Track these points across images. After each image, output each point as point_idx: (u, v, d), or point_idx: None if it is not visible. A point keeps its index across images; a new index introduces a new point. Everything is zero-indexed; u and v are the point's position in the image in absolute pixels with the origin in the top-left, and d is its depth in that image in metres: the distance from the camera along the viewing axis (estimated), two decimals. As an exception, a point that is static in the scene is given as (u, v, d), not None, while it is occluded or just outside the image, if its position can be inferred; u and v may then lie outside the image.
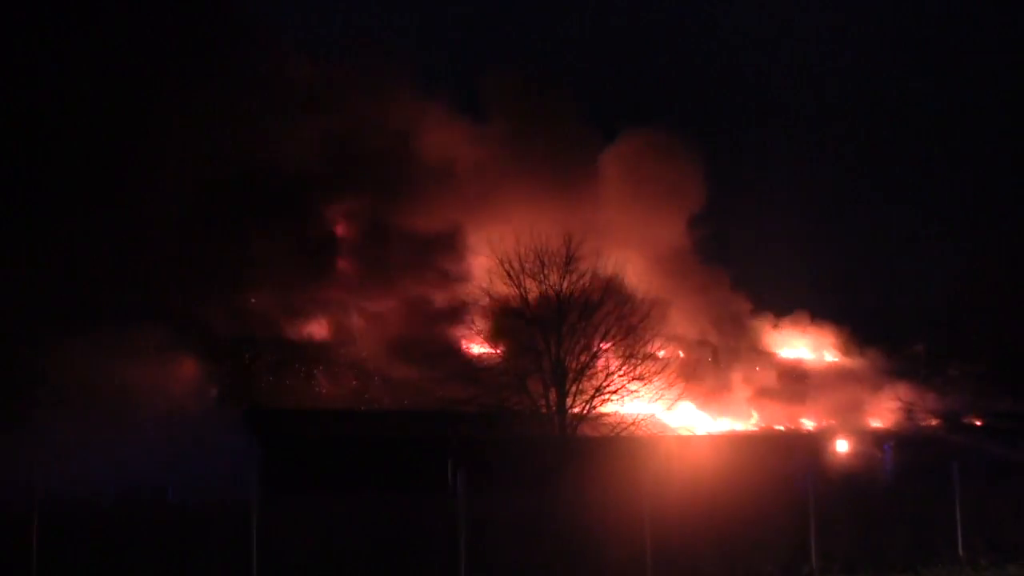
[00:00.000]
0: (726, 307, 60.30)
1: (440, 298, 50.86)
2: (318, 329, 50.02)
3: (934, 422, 50.83)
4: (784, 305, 65.25)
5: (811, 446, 47.89)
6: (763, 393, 54.51)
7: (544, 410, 34.01)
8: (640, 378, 35.07)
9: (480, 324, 37.68)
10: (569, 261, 35.09)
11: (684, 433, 46.95)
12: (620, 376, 34.81)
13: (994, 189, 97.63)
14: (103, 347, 39.21)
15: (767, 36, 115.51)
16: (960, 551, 22.63)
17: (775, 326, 62.97)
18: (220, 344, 45.06)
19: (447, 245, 53.05)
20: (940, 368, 48.03)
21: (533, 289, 35.14)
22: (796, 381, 57.67)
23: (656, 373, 35.44)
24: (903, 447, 47.23)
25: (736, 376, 54.82)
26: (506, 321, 35.59)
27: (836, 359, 63.12)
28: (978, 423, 48.51)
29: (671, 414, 40.64)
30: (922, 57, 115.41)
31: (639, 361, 35.39)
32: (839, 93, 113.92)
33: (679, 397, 36.55)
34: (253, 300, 47.95)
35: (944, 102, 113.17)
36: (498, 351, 36.33)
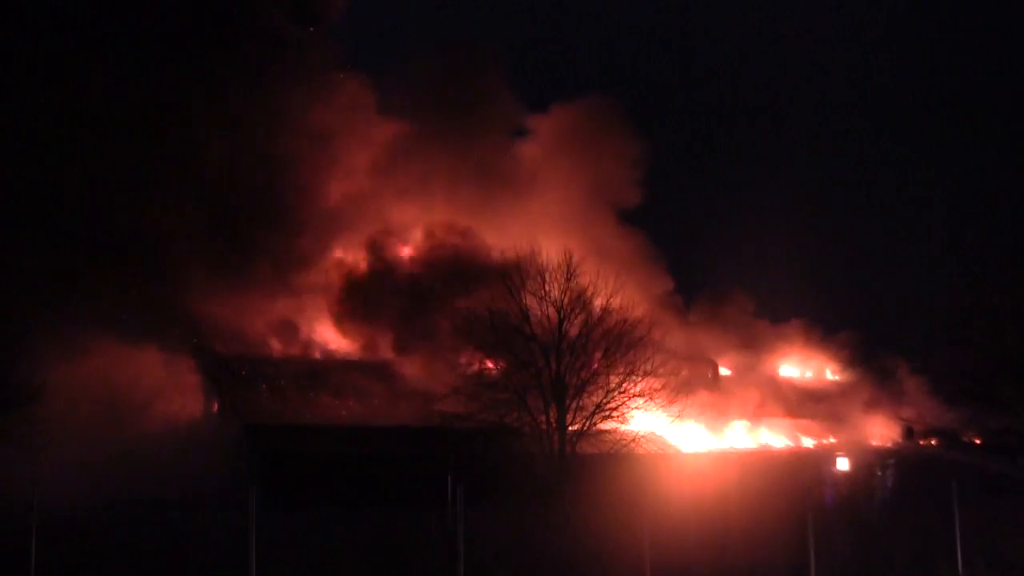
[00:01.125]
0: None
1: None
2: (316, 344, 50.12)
3: (933, 440, 50.84)
4: (785, 317, 65.35)
5: (811, 464, 47.83)
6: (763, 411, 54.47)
7: (543, 426, 33.96)
8: (640, 395, 35.01)
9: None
10: (570, 277, 35.09)
11: (684, 450, 46.92)
12: (620, 393, 34.76)
13: (998, 205, 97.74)
14: (104, 360, 39.32)
15: (764, 35, 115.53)
16: (960, 568, 22.59)
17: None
18: (219, 359, 45.19)
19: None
20: (939, 386, 48.01)
21: (533, 305, 35.11)
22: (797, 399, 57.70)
23: (656, 390, 35.34)
24: (902, 465, 47.19)
25: (735, 393, 54.81)
26: (506, 336, 35.52)
27: (836, 377, 63.12)
28: (977, 441, 48.55)
29: (671, 431, 40.55)
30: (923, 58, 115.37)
31: (639, 378, 35.34)
32: (831, 95, 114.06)
33: (680, 414, 36.44)
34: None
35: (938, 107, 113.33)
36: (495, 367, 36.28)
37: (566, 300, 34.79)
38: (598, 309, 35.26)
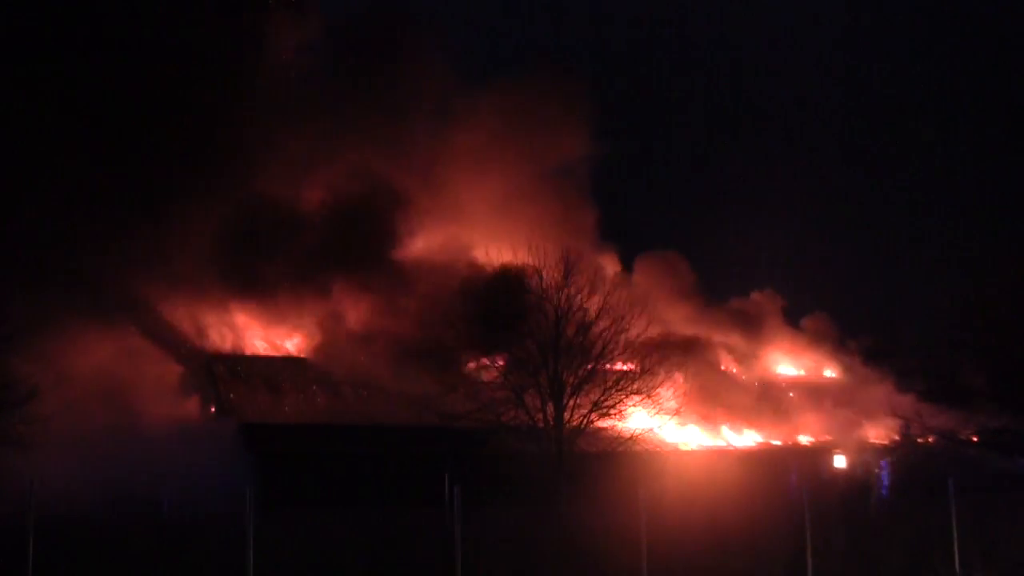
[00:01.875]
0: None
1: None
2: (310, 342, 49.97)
3: (931, 438, 50.83)
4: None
5: (808, 462, 47.85)
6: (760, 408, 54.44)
7: (541, 425, 34.00)
8: (638, 392, 35.05)
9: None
10: (567, 276, 35.11)
11: (682, 448, 46.94)
12: (618, 391, 34.80)
13: (998, 203, 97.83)
14: (100, 360, 39.29)
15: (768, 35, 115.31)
16: (957, 567, 22.60)
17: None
18: (216, 358, 45.17)
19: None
20: (937, 383, 47.98)
21: (531, 303, 35.17)
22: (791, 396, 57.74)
23: (654, 388, 35.38)
24: (900, 463, 47.21)
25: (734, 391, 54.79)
26: (504, 335, 35.56)
27: (833, 374, 63.14)
28: (975, 439, 48.55)
29: (668, 429, 40.59)
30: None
31: (637, 375, 35.40)
32: (832, 91, 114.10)
33: (677, 412, 36.49)
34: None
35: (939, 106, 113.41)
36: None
37: (563, 299, 34.83)
38: (595, 307, 35.32)
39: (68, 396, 35.40)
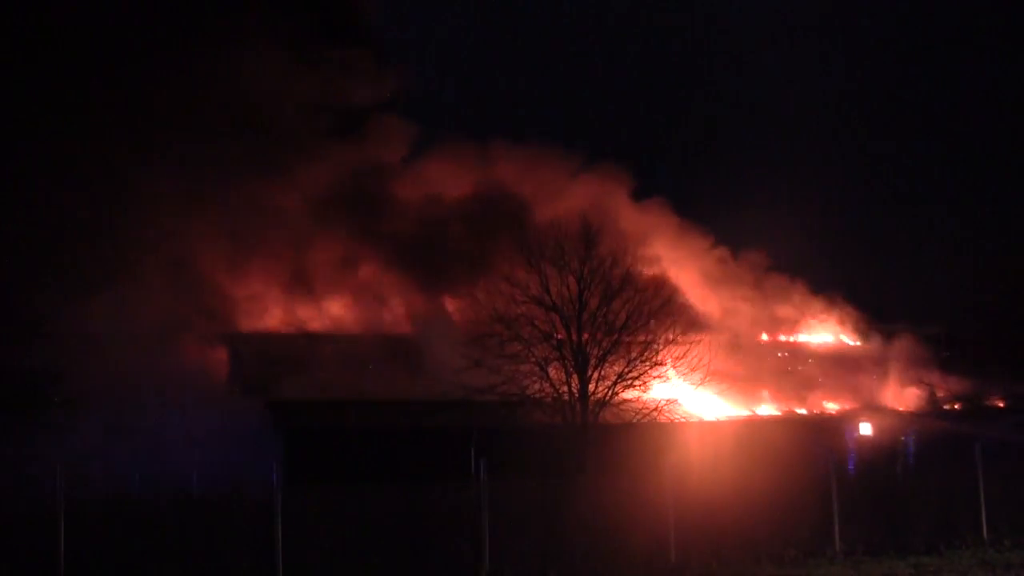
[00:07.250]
0: None
1: None
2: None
3: (956, 404, 50.65)
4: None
5: (833, 430, 47.75)
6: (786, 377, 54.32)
7: (566, 397, 34.04)
8: (662, 363, 35.03)
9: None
10: (589, 246, 35.05)
11: (707, 418, 46.89)
12: (642, 362, 34.79)
13: (1016, 171, 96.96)
14: (126, 339, 39.55)
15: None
16: (984, 532, 22.54)
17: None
18: (243, 336, 45.42)
19: None
20: (961, 350, 47.81)
21: (553, 275, 35.12)
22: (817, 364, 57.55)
23: (679, 358, 35.34)
24: (925, 429, 47.06)
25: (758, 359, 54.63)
26: (526, 308, 35.53)
27: (856, 342, 62.84)
28: (1000, 404, 48.35)
29: (693, 399, 40.57)
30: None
31: (660, 346, 35.36)
32: (857, 67, 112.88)
33: (702, 382, 36.43)
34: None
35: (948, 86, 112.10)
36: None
37: (586, 270, 34.79)
38: (618, 278, 35.26)
39: (94, 376, 35.67)
